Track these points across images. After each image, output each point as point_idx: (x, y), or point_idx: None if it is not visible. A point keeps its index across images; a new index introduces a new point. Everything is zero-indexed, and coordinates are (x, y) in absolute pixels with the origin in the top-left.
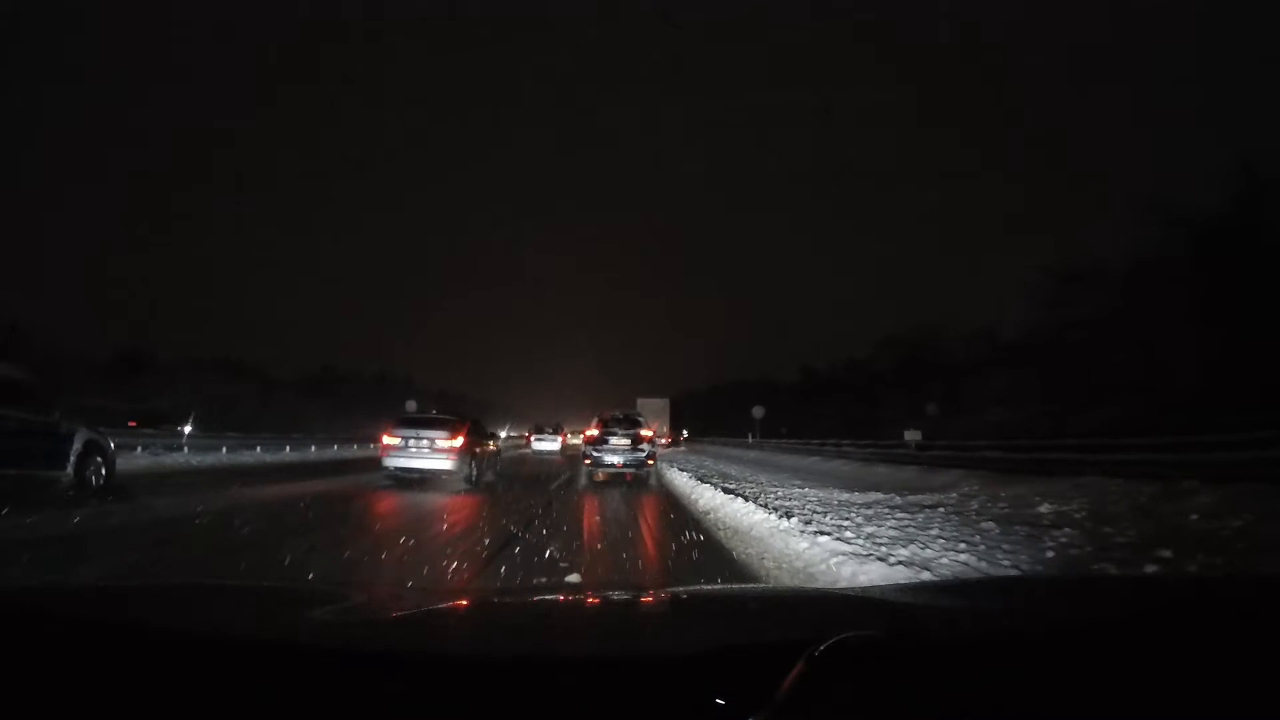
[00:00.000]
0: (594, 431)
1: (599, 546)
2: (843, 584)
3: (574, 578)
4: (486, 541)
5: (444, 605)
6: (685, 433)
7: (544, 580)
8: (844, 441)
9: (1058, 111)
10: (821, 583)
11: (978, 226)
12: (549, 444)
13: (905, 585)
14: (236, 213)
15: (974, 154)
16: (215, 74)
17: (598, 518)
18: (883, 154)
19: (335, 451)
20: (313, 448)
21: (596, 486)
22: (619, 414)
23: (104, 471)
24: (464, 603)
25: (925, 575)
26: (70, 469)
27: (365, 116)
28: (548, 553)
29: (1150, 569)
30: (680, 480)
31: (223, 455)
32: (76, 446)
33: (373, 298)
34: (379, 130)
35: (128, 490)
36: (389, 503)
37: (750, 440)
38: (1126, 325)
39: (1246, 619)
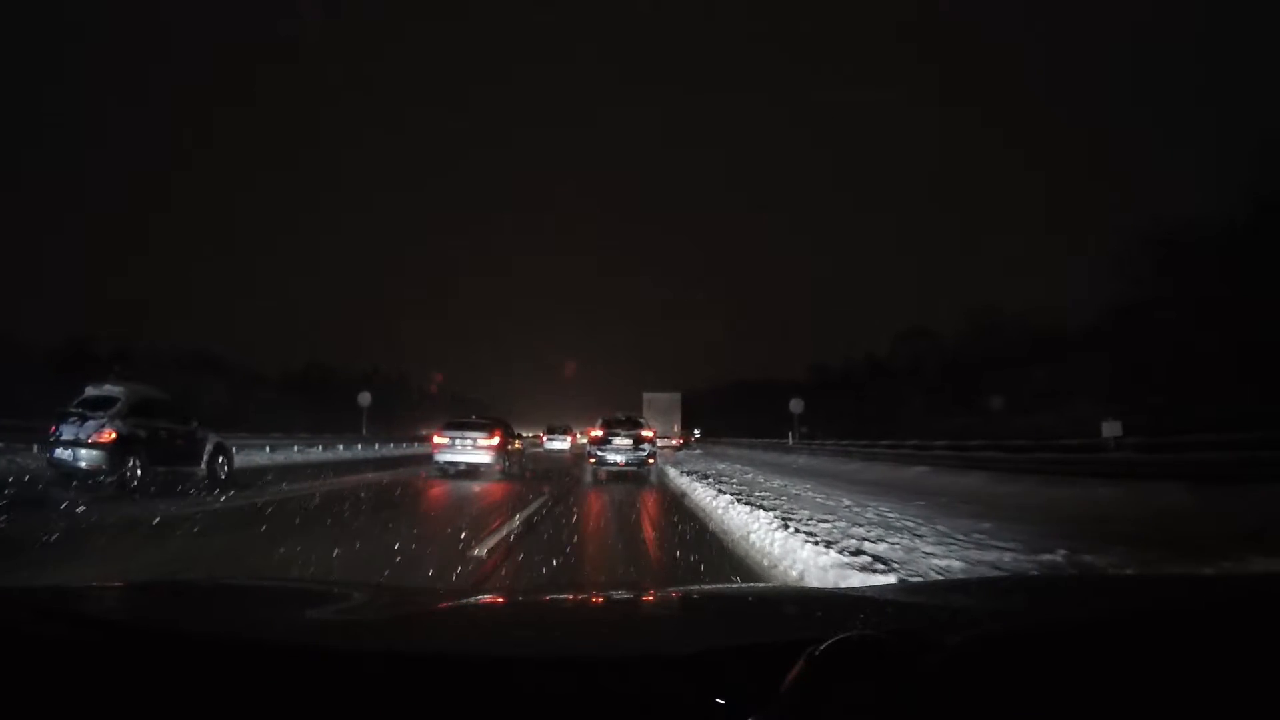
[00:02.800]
0: (598, 432)
1: (607, 515)
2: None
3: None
4: (533, 506)
5: (445, 605)
6: (697, 432)
7: (544, 580)
8: (965, 442)
9: (1086, 101)
10: None
11: (993, 221)
12: (559, 443)
13: (905, 585)
14: (231, 209)
15: (988, 142)
16: (210, 65)
17: (605, 496)
18: (891, 151)
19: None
20: (296, 448)
21: (599, 479)
22: (621, 415)
23: (226, 467)
24: (464, 603)
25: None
26: (203, 465)
27: (364, 108)
28: (573, 513)
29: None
30: (763, 536)
31: (293, 454)
32: (209, 448)
33: (370, 296)
34: (379, 121)
35: (242, 481)
36: (453, 486)
37: (791, 442)
38: (1212, 303)
39: (1246, 618)
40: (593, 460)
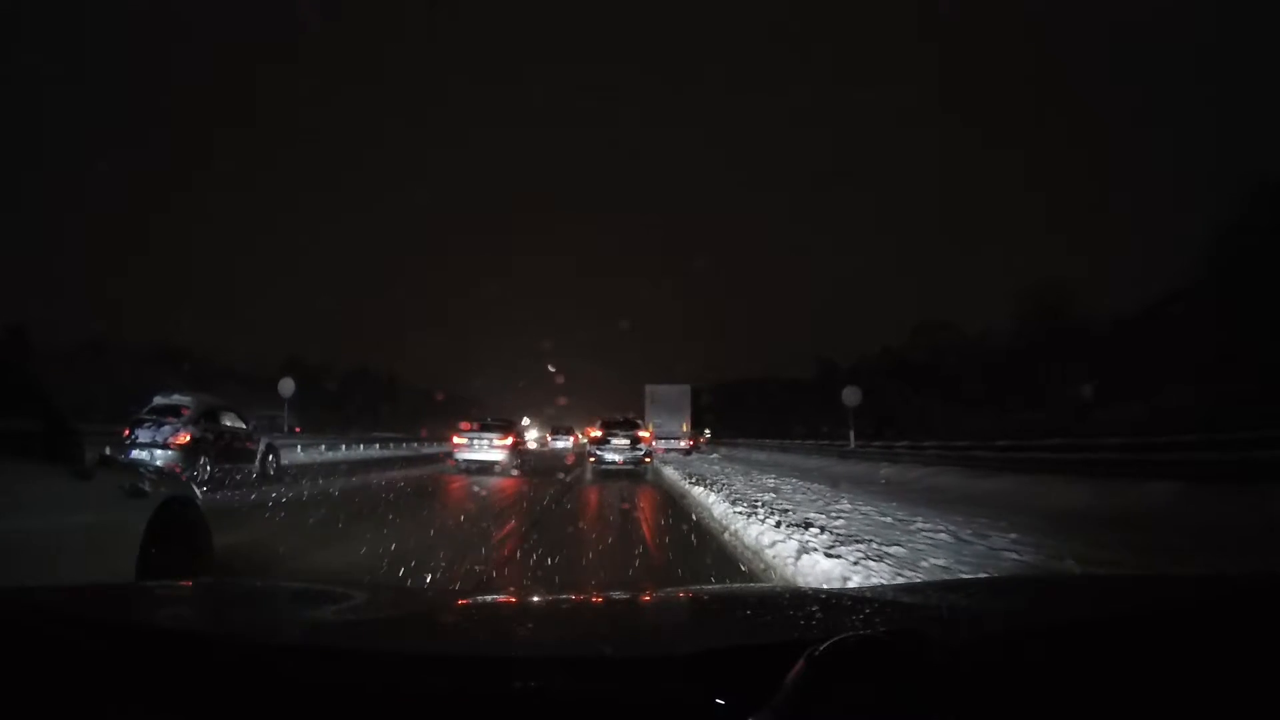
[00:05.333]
0: (597, 433)
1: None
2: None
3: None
4: (549, 493)
5: (445, 605)
6: (708, 432)
7: (545, 579)
8: None
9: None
10: None
11: (996, 222)
12: (563, 443)
13: (905, 585)
14: (225, 205)
15: (991, 141)
16: (209, 66)
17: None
18: (894, 150)
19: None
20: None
21: (599, 476)
22: (619, 417)
23: (276, 465)
24: (465, 603)
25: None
26: (257, 463)
27: (362, 102)
28: (581, 497)
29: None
30: None
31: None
32: (261, 449)
33: (369, 296)
34: (377, 113)
35: (289, 477)
36: (477, 480)
37: (851, 445)
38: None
39: (1247, 618)
40: (593, 459)
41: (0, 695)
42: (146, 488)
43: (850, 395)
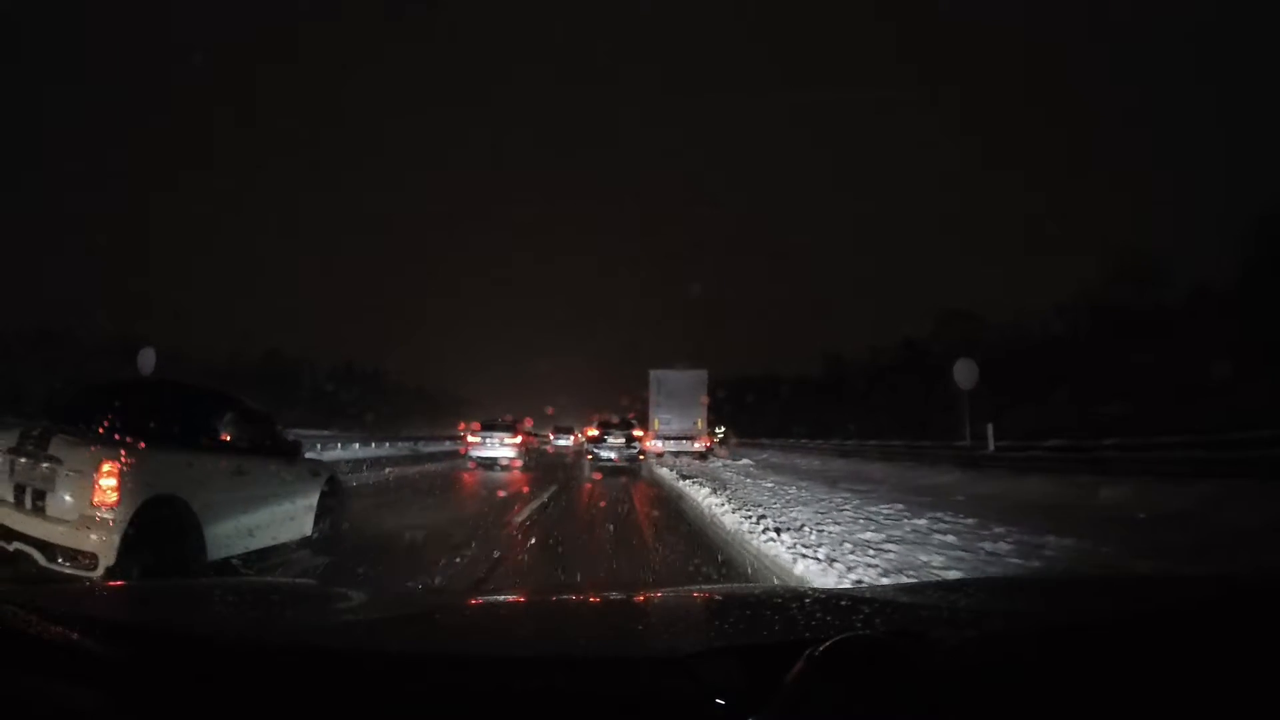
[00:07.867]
0: (594, 432)
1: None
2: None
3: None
4: (555, 482)
5: (444, 605)
6: (720, 431)
7: (545, 580)
8: None
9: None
10: None
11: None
12: (565, 441)
13: (905, 585)
14: (221, 201)
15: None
16: (207, 61)
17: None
18: (894, 148)
19: None
20: None
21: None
22: (615, 418)
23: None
24: (464, 603)
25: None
26: None
27: (359, 100)
28: (583, 486)
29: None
30: None
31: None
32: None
33: (369, 296)
34: (372, 112)
35: None
36: (491, 474)
37: (990, 447)
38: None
39: (1248, 618)
40: (590, 456)
41: (1, 696)
42: (320, 471)
43: (965, 372)
